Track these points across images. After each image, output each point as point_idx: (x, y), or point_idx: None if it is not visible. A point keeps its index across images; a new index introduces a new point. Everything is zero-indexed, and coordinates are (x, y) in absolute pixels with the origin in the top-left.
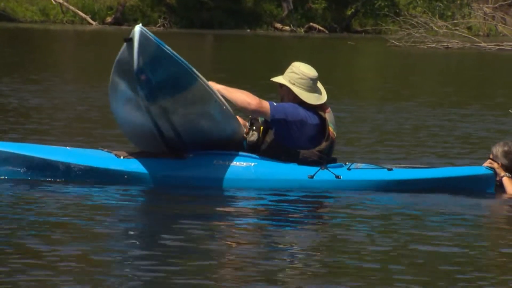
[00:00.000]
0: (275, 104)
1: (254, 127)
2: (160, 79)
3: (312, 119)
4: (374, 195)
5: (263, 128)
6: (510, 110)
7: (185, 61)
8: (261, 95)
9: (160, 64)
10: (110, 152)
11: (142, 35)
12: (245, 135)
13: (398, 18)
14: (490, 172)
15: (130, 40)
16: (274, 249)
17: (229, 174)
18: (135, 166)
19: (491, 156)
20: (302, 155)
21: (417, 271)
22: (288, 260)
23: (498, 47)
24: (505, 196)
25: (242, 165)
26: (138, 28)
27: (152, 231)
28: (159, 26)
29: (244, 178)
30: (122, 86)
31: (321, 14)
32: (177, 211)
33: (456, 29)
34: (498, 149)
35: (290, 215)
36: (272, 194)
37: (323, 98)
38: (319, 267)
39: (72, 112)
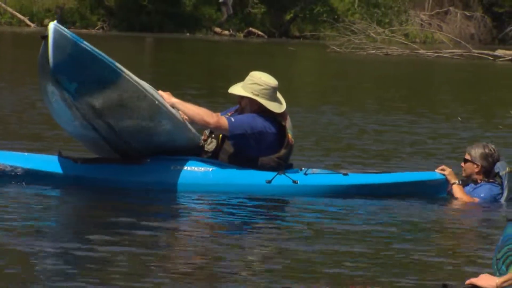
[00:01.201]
0: (232, 120)
1: (213, 135)
2: (81, 77)
3: (271, 128)
4: (330, 200)
5: (221, 136)
6: (459, 118)
7: (106, 56)
8: (206, 101)
9: (78, 61)
10: (68, 158)
11: (56, 31)
12: (203, 142)
13: (338, 24)
14: (442, 177)
15: (45, 38)
16: (228, 254)
17: (187, 179)
18: (91, 171)
19: (467, 157)
20: (261, 162)
21: (372, 272)
22: (241, 265)
23: (436, 54)
24: (453, 202)
25: (200, 170)
26: (52, 25)
27: (107, 237)
28: (98, 29)
29: (201, 183)
30: (49, 88)
31: (260, 19)
32: (131, 217)
33: (393, 36)
34: (477, 151)
35: (247, 220)
36: (230, 199)
37: (284, 105)
38: (273, 272)
39: (21, 115)
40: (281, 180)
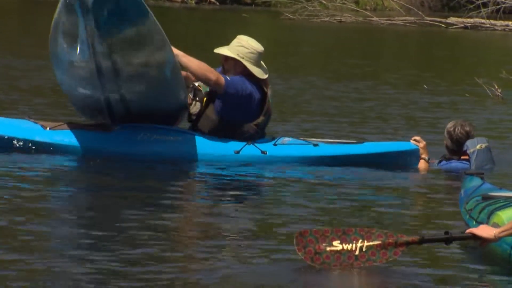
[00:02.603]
0: (228, 78)
1: (197, 98)
2: (108, 8)
3: (257, 92)
4: (299, 170)
5: (206, 99)
6: (424, 86)
7: None
8: None
9: None
10: (37, 123)
11: None
12: (189, 105)
13: None
14: (415, 147)
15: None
16: (191, 226)
17: (155, 148)
18: (60, 137)
19: (445, 133)
20: (241, 128)
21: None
22: (203, 236)
23: (389, 21)
24: (418, 177)
25: (169, 139)
26: None
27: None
28: None
29: (170, 152)
30: (63, 42)
31: None
32: (97, 185)
33: (344, 3)
34: (446, 129)
35: (212, 190)
36: (196, 169)
37: (267, 73)
38: (239, 243)
39: None
40: (250, 150)
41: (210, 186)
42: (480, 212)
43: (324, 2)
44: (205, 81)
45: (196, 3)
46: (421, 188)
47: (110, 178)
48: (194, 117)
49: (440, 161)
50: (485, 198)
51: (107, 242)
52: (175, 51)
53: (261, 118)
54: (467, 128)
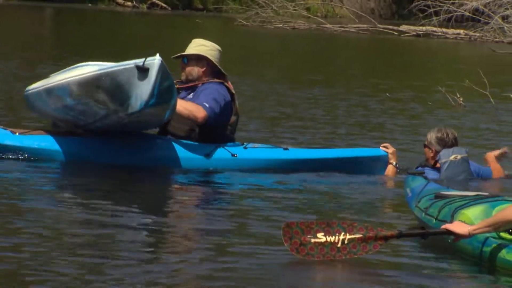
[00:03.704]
0: (207, 105)
1: None
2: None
3: (227, 95)
4: (268, 174)
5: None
6: (387, 94)
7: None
8: None
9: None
10: (6, 129)
11: (162, 66)
12: None
13: None
14: (384, 154)
15: (144, 70)
16: (157, 230)
17: (125, 153)
18: (31, 141)
19: (426, 142)
20: (215, 131)
21: None
22: (170, 239)
23: (342, 28)
24: (386, 181)
25: (141, 144)
26: (158, 61)
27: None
28: None
29: (140, 157)
30: (82, 99)
31: None
32: (68, 189)
33: (295, 10)
34: (432, 135)
35: (181, 195)
36: (166, 173)
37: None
38: (206, 245)
39: None
40: (220, 153)
41: (179, 189)
42: (439, 211)
43: (276, 9)
44: (193, 120)
45: (147, 8)
46: (388, 192)
47: (79, 182)
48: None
49: (416, 167)
50: (439, 196)
51: (79, 249)
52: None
53: (232, 119)
54: (455, 135)
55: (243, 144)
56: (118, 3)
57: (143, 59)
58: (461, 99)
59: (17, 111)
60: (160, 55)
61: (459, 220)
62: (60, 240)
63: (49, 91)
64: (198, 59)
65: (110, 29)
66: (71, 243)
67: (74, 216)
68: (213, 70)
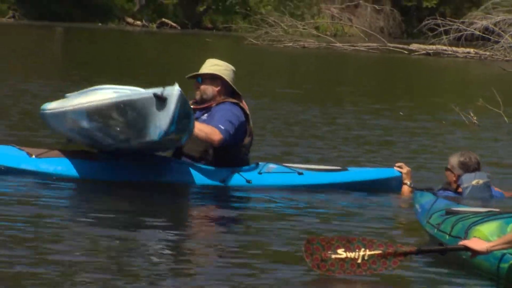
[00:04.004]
0: (222, 127)
1: None
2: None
3: (242, 116)
4: (284, 200)
5: None
6: (400, 112)
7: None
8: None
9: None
10: (22, 149)
11: (181, 96)
12: None
13: (255, 17)
14: (398, 174)
15: (162, 99)
16: (174, 247)
17: (141, 176)
18: (46, 165)
19: (448, 166)
20: (229, 152)
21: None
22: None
23: (353, 47)
24: (401, 200)
25: (156, 167)
26: (177, 91)
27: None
28: (9, 18)
29: (157, 181)
30: (99, 124)
31: (173, 10)
32: (85, 211)
33: (305, 29)
34: (454, 160)
35: (197, 212)
36: (179, 193)
37: None
38: (225, 262)
39: None
40: (235, 179)
41: (196, 207)
42: (452, 227)
43: (285, 27)
44: (209, 142)
45: (157, 27)
46: (402, 211)
47: (94, 203)
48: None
49: (438, 190)
50: (451, 212)
51: (98, 265)
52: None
53: (247, 140)
54: (478, 159)
55: (257, 164)
56: (128, 23)
57: (161, 89)
58: (475, 118)
59: (30, 129)
60: (178, 84)
61: (474, 236)
62: (81, 258)
63: (65, 114)
64: (213, 78)
65: (120, 48)
66: (90, 261)
67: (90, 234)
68: (227, 90)
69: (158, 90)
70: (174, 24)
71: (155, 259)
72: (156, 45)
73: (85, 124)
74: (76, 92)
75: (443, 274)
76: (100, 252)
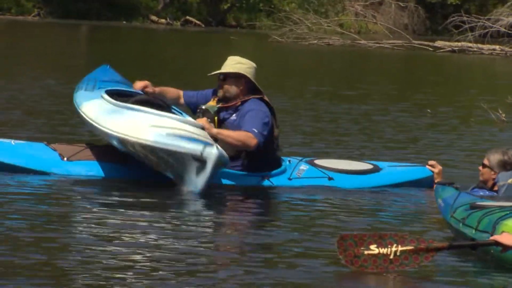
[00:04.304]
0: (256, 131)
1: (208, 119)
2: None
3: (269, 112)
4: (312, 199)
5: (217, 119)
6: (428, 110)
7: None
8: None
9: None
10: (55, 150)
11: (220, 157)
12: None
13: (280, 14)
14: (430, 174)
15: (201, 161)
16: (205, 245)
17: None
18: (77, 169)
19: (486, 162)
20: (263, 147)
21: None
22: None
23: (377, 44)
24: (430, 199)
25: None
26: (215, 154)
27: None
28: (34, 16)
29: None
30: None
31: (197, 8)
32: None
33: (329, 26)
34: (495, 157)
35: (229, 210)
36: (210, 193)
37: None
38: (261, 257)
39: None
40: (266, 185)
41: (229, 206)
42: (479, 221)
43: (309, 25)
44: (246, 148)
45: (181, 25)
46: (432, 209)
47: (124, 203)
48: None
49: (472, 189)
50: (475, 207)
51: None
52: (213, 131)
53: (276, 132)
54: None
55: (289, 162)
56: (152, 21)
57: (201, 148)
58: (503, 115)
59: (59, 126)
60: (217, 146)
61: (503, 231)
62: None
63: (100, 131)
64: (237, 77)
65: (145, 46)
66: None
67: (125, 235)
68: (249, 87)
69: (197, 150)
70: (198, 22)
71: (186, 253)
72: (180, 43)
73: (119, 147)
74: (106, 97)
75: (472, 269)
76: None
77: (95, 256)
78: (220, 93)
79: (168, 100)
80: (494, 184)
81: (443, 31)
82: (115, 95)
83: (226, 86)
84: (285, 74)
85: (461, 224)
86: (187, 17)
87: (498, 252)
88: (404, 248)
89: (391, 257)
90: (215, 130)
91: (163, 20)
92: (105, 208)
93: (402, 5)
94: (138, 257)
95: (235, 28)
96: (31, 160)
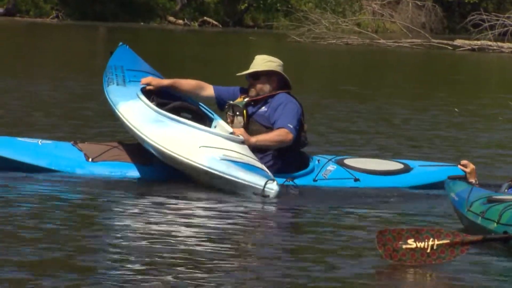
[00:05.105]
0: (290, 126)
1: (237, 112)
2: None
3: (299, 105)
4: (338, 207)
5: (246, 112)
6: (455, 109)
7: None
8: None
9: None
10: (81, 150)
11: (279, 193)
12: (230, 124)
13: (298, 14)
14: (462, 174)
15: (265, 196)
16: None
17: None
18: (102, 170)
19: None
20: (295, 142)
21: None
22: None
23: (396, 43)
24: None
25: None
26: (276, 191)
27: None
28: (52, 18)
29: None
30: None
31: (214, 8)
32: (142, 217)
33: (346, 25)
34: None
35: (248, 228)
36: (232, 206)
37: None
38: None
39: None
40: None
41: (247, 221)
42: (501, 215)
43: (327, 24)
44: (284, 145)
45: (199, 25)
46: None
47: (145, 202)
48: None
49: (510, 188)
50: (494, 200)
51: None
52: (251, 140)
53: (305, 126)
54: None
55: (319, 162)
56: (169, 21)
57: (262, 183)
58: None
59: (85, 126)
60: (276, 182)
61: None
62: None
63: (141, 139)
64: (269, 75)
65: (163, 47)
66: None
67: (147, 234)
68: (281, 85)
69: (259, 185)
70: (215, 23)
71: (217, 253)
72: (198, 43)
73: (160, 157)
74: (145, 99)
75: (502, 265)
76: (156, 252)
77: (119, 258)
78: (253, 92)
79: (186, 92)
80: None
81: (461, 29)
82: (149, 93)
83: (259, 85)
84: (304, 74)
85: (480, 218)
86: (205, 18)
87: None
88: (441, 242)
89: (428, 250)
90: (253, 140)
91: (180, 21)
92: (128, 209)
93: (419, 3)
94: (158, 259)
95: (252, 29)
96: (56, 160)
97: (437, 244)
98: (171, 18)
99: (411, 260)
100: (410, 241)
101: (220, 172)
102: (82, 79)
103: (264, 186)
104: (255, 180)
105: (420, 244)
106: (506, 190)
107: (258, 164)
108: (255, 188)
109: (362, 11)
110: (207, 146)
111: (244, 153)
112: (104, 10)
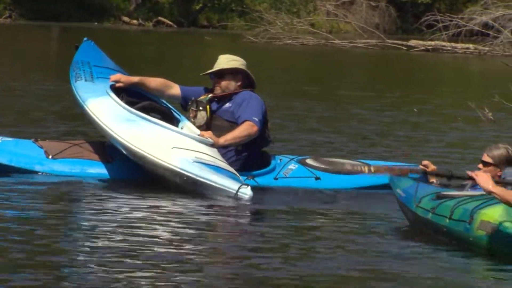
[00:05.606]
0: (256, 119)
1: (200, 107)
2: None
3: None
4: (298, 205)
5: (209, 107)
6: (414, 109)
7: None
8: None
9: None
10: (41, 147)
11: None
12: (192, 119)
13: (254, 15)
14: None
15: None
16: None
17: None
18: (61, 167)
19: (489, 160)
20: (259, 136)
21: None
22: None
23: (351, 44)
24: None
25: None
26: (250, 196)
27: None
28: (5, 18)
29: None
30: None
31: (169, 8)
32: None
33: (301, 26)
34: (499, 154)
35: (211, 225)
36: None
37: None
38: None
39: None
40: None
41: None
42: (453, 210)
43: (281, 25)
44: (251, 138)
45: (153, 25)
46: None
47: (112, 200)
48: (202, 129)
49: (473, 186)
50: (443, 197)
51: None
52: (220, 141)
53: (269, 124)
54: None
55: (280, 162)
56: (124, 22)
57: (235, 187)
58: (490, 113)
59: (47, 123)
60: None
61: (482, 220)
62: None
63: (108, 135)
64: (234, 73)
65: (118, 47)
66: (130, 260)
67: (119, 231)
68: (245, 83)
69: (232, 189)
70: (170, 23)
71: (208, 255)
72: (153, 43)
73: (130, 157)
74: (115, 97)
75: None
76: (129, 250)
77: (81, 255)
78: (218, 90)
79: (153, 90)
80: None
81: (414, 30)
82: (118, 91)
83: (224, 83)
84: (264, 74)
85: (430, 214)
86: (159, 18)
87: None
88: None
89: None
90: (221, 140)
91: (135, 21)
92: (85, 207)
93: (373, 4)
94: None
95: (207, 29)
96: (15, 157)
97: None
98: (126, 18)
99: None
100: None
101: (193, 174)
102: (40, 78)
103: (238, 191)
104: (229, 184)
105: None
106: (469, 189)
107: (229, 167)
108: (228, 192)
109: (316, 11)
110: (179, 147)
111: (214, 156)
112: (58, 10)
